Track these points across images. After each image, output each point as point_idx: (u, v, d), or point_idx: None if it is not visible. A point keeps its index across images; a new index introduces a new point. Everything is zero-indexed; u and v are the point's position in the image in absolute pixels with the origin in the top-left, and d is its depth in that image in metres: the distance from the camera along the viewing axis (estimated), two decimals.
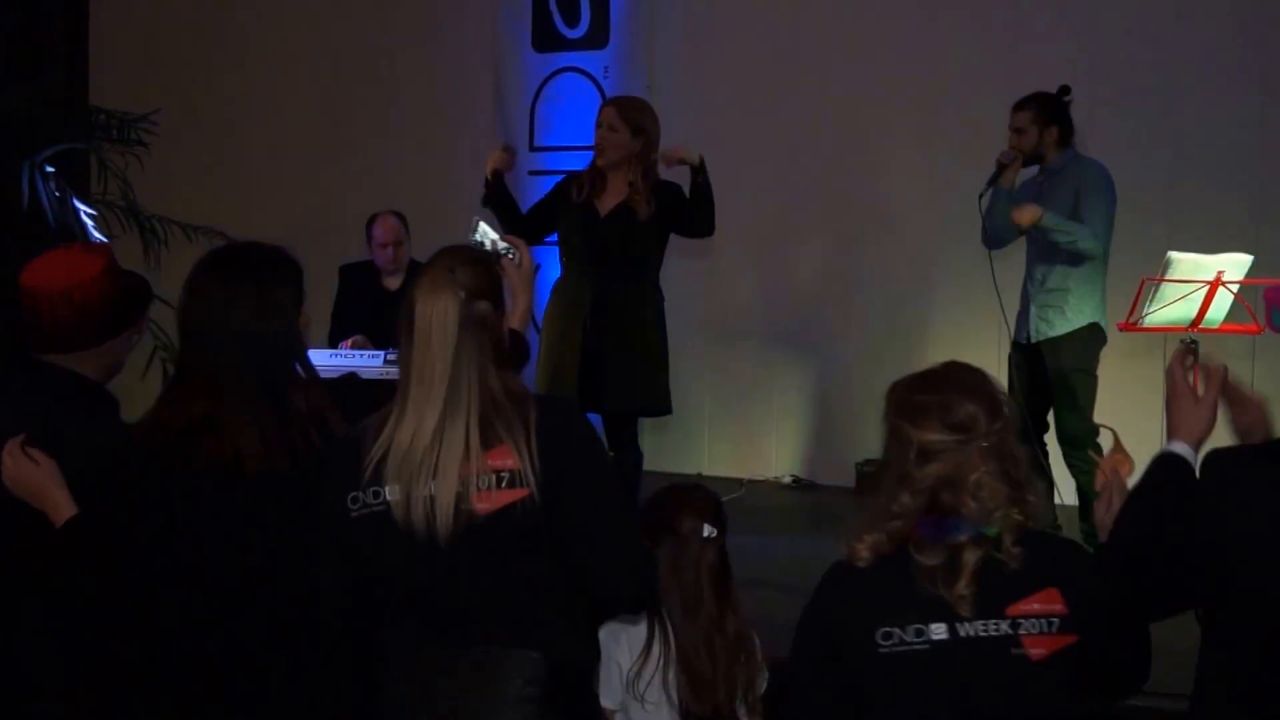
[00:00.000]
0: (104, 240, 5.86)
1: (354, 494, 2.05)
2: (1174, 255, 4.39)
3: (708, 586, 2.60)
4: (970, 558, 1.88)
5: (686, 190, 4.63)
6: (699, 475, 6.48)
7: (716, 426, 6.01)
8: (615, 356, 4.57)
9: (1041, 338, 4.75)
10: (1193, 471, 2.06)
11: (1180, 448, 2.09)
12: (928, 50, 6.32)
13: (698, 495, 2.74)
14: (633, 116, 4.63)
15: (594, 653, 2.20)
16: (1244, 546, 1.93)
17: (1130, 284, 4.49)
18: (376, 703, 2.11)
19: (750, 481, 6.51)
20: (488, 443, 2.01)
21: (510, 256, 2.61)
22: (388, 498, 2.02)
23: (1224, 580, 1.96)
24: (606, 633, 2.57)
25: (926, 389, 2.00)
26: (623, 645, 2.57)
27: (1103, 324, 4.76)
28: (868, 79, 6.45)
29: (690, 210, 4.60)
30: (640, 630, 2.56)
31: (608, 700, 2.57)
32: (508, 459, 2.00)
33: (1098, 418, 5.83)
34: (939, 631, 1.88)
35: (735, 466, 6.58)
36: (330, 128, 7.51)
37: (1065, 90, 4.80)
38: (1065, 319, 4.69)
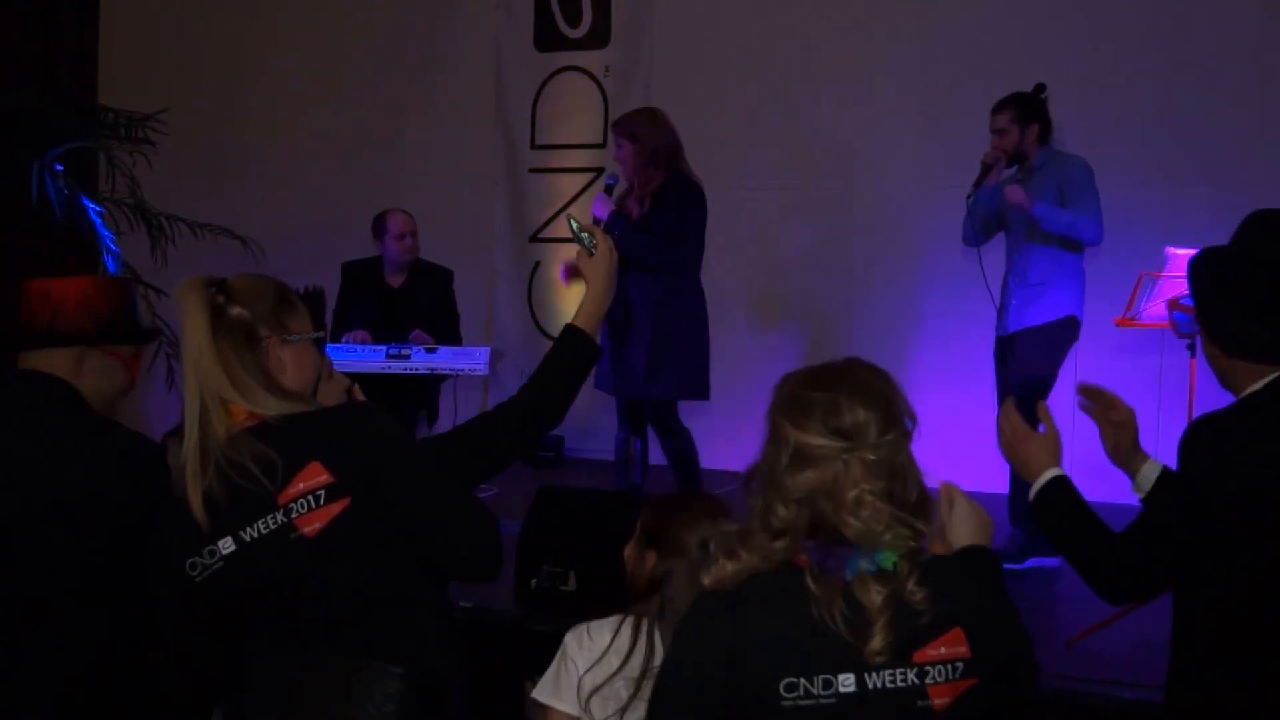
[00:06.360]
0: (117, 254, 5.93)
1: (191, 560, 1.99)
2: (1171, 251, 4.43)
3: None
4: (876, 598, 1.69)
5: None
6: None
7: (713, 420, 6.01)
8: (643, 345, 4.90)
9: (1020, 327, 4.78)
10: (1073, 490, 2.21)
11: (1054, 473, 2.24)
12: (923, 49, 6.35)
13: (705, 513, 2.48)
14: (635, 133, 4.91)
15: (454, 664, 2.08)
16: (1224, 496, 2.05)
17: (1128, 280, 4.53)
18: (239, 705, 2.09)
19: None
20: (296, 463, 1.97)
21: (586, 247, 2.39)
22: (223, 553, 1.98)
23: (1210, 528, 2.07)
24: (572, 635, 2.40)
25: (817, 384, 1.79)
26: (584, 649, 2.37)
27: (1079, 316, 4.77)
28: (865, 78, 6.48)
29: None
30: (606, 639, 2.36)
31: (568, 706, 2.34)
32: (320, 475, 1.97)
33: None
34: (847, 683, 1.69)
35: (733, 459, 6.59)
36: (334, 126, 7.55)
37: (1041, 88, 4.85)
38: (1044, 309, 4.73)
